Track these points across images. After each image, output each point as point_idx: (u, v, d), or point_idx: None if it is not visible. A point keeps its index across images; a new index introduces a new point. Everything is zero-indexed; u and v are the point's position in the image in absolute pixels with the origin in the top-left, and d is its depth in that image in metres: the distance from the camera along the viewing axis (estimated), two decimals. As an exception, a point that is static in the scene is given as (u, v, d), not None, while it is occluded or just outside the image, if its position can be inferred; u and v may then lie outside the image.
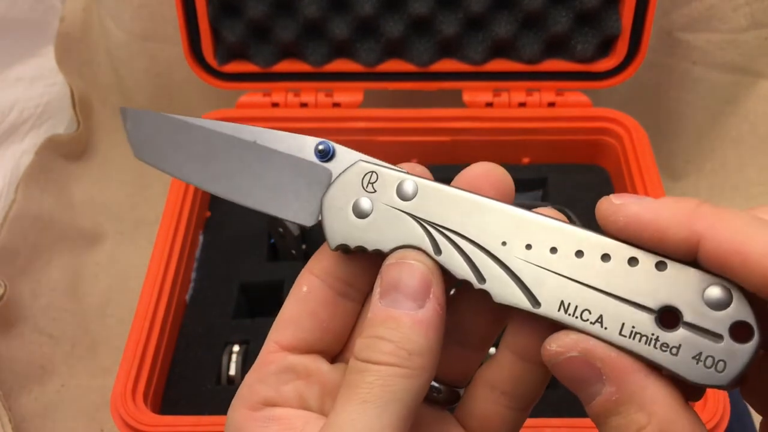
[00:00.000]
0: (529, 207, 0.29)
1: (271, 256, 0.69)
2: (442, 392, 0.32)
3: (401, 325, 0.28)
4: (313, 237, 0.67)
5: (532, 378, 0.30)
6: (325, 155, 0.31)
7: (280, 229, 0.67)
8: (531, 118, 0.74)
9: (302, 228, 0.66)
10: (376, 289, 0.29)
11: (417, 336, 0.28)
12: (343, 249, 0.30)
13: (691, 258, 0.26)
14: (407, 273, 0.29)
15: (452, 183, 0.31)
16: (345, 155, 0.31)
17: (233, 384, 0.60)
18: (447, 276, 0.29)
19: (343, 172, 0.30)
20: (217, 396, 0.59)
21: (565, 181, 0.74)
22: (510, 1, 0.71)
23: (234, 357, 0.61)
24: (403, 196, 0.30)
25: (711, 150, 0.86)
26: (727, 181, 0.85)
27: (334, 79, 0.74)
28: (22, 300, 0.68)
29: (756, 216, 0.25)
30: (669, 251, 0.26)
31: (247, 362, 0.60)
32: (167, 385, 0.60)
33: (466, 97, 0.74)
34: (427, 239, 0.29)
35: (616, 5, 0.70)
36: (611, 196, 0.28)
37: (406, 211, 0.29)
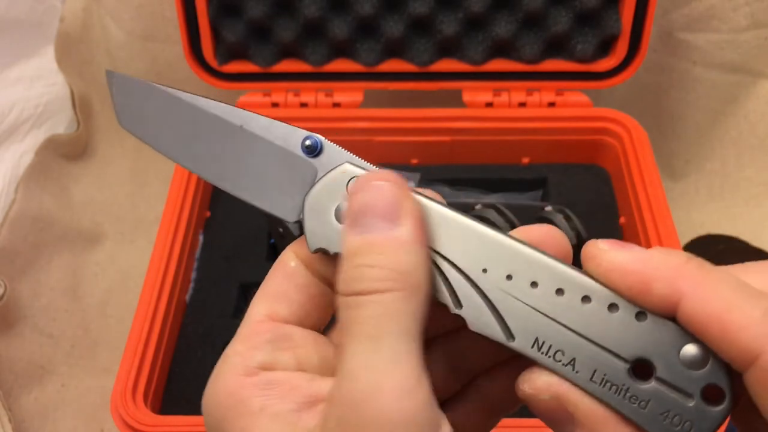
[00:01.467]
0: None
1: (271, 256, 0.69)
2: None
3: (385, 248, 0.26)
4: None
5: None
6: (312, 151, 0.30)
7: (280, 229, 0.67)
8: (531, 118, 0.74)
9: (302, 228, 0.66)
10: (345, 221, 0.27)
11: (405, 254, 0.26)
12: (322, 252, 0.29)
13: (670, 314, 0.25)
14: (375, 194, 0.27)
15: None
16: (333, 153, 0.30)
17: (233, 384, 0.60)
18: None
19: (328, 172, 0.29)
20: (217, 396, 0.59)
21: (565, 181, 0.74)
22: (510, 1, 0.71)
23: (234, 357, 0.61)
24: None
25: (711, 150, 0.86)
26: (727, 181, 0.85)
27: (334, 79, 0.74)
28: (22, 300, 0.68)
29: (744, 283, 0.24)
30: (648, 304, 0.25)
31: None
32: (167, 385, 0.60)
33: (466, 97, 0.74)
34: None
35: (616, 5, 0.70)
36: (599, 241, 0.27)
37: None
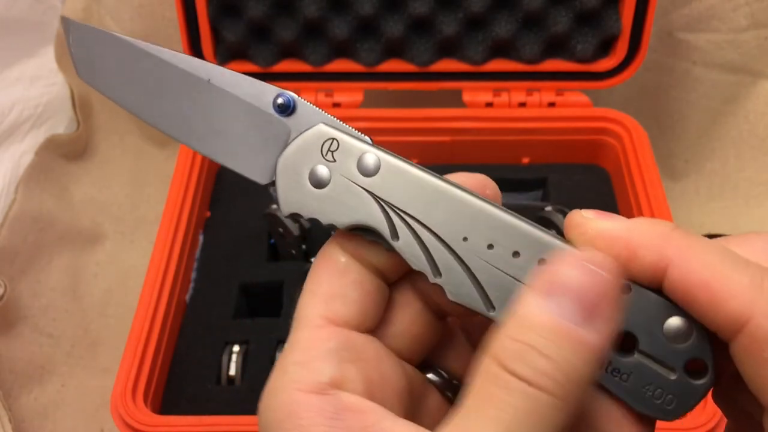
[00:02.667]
0: (516, 207, 0.27)
1: (271, 256, 0.69)
2: (452, 390, 0.29)
3: (565, 343, 0.22)
4: (313, 237, 0.67)
5: None
6: (285, 110, 0.28)
7: (280, 229, 0.67)
8: (531, 118, 0.74)
9: (302, 228, 0.66)
10: (536, 281, 0.23)
11: (581, 362, 0.22)
12: (295, 217, 0.28)
13: (656, 285, 0.24)
14: (587, 279, 0.23)
15: None
16: (307, 112, 0.28)
17: (233, 384, 0.60)
18: (404, 264, 0.26)
19: (302, 132, 0.27)
20: (217, 396, 0.59)
21: (565, 181, 0.74)
22: (510, 1, 0.71)
23: (234, 357, 0.61)
24: (364, 170, 0.27)
25: (711, 150, 0.86)
26: (727, 181, 0.85)
27: (334, 79, 0.74)
28: (22, 300, 0.68)
29: (731, 252, 0.24)
30: (635, 273, 0.24)
31: (247, 362, 0.60)
32: (167, 385, 0.60)
33: (466, 97, 0.74)
34: (385, 222, 0.26)
35: (616, 5, 0.70)
36: (583, 210, 0.26)
37: (366, 188, 0.27)
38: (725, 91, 0.83)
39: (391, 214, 0.26)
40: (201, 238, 0.70)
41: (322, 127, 0.27)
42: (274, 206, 0.67)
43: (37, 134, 0.81)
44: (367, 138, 0.27)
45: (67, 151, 0.81)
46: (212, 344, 0.62)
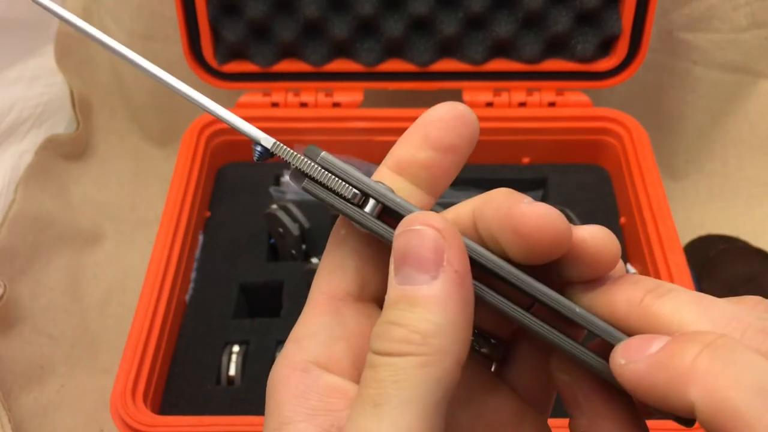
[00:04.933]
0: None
1: (271, 256, 0.69)
2: (486, 346, 0.29)
3: (413, 305, 0.24)
4: (313, 237, 0.67)
5: None
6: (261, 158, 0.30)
7: (280, 230, 0.66)
8: (531, 118, 0.74)
9: (302, 228, 0.66)
10: (391, 265, 0.25)
11: (432, 314, 0.23)
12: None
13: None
14: (414, 241, 0.24)
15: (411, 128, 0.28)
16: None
17: (233, 384, 0.60)
18: None
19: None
20: (216, 396, 0.59)
21: (565, 181, 0.74)
22: (510, 1, 0.71)
23: (234, 357, 0.60)
24: None
25: (711, 150, 0.86)
26: (727, 181, 0.85)
27: (334, 79, 0.74)
28: (22, 300, 0.68)
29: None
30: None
31: (247, 362, 0.60)
32: (167, 386, 0.60)
33: (466, 97, 0.74)
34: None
35: (617, 5, 0.70)
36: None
37: None
38: (726, 91, 0.83)
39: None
40: (201, 238, 0.70)
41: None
42: (274, 206, 0.67)
43: (36, 134, 0.81)
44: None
45: (66, 151, 0.81)
46: (212, 344, 0.62)
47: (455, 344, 0.24)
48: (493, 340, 0.29)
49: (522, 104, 0.74)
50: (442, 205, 0.30)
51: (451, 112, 0.29)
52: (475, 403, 0.28)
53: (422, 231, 0.24)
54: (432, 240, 0.24)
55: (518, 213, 0.25)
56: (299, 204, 0.67)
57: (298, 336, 0.27)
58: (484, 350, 0.29)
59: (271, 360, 0.60)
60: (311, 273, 0.62)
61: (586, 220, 0.65)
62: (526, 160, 0.76)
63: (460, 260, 0.24)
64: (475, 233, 0.27)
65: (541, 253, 0.25)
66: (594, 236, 0.25)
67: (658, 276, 0.61)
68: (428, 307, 0.24)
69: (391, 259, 0.25)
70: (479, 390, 0.28)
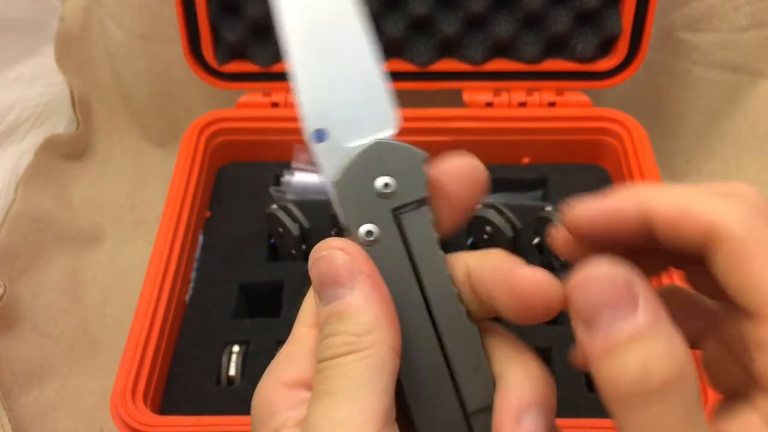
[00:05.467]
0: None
1: (271, 256, 0.69)
2: None
3: (343, 316, 0.28)
4: (313, 237, 0.67)
5: None
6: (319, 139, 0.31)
7: (280, 229, 0.66)
8: (531, 118, 0.74)
9: (302, 228, 0.66)
10: (314, 293, 0.29)
11: (359, 316, 0.28)
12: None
13: (647, 235, 0.27)
14: (325, 266, 0.28)
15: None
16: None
17: (233, 384, 0.60)
18: None
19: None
20: (217, 396, 0.59)
21: (565, 181, 0.74)
22: (510, 1, 0.71)
23: (234, 357, 0.61)
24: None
25: (711, 150, 0.86)
26: (727, 180, 0.85)
27: (334, 79, 0.74)
28: (22, 300, 0.68)
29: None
30: (625, 233, 0.28)
31: (247, 362, 0.60)
32: (167, 386, 0.60)
33: (466, 97, 0.74)
34: None
35: (617, 5, 0.70)
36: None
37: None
38: (726, 91, 0.83)
39: None
40: (201, 238, 0.70)
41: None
42: (274, 206, 0.67)
43: (36, 134, 0.81)
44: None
45: (66, 151, 0.81)
46: (212, 344, 0.62)
47: (386, 334, 0.28)
48: None
49: (522, 104, 0.74)
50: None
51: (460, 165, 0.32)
52: None
53: (329, 255, 0.28)
54: (340, 259, 0.28)
55: (518, 275, 0.28)
56: (299, 204, 0.67)
57: (290, 352, 0.30)
58: None
59: (271, 360, 0.60)
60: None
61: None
62: (525, 160, 0.76)
63: (368, 266, 0.29)
64: (467, 285, 0.30)
65: (534, 316, 0.28)
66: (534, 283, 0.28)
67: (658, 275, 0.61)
68: (355, 313, 0.28)
69: (311, 289, 0.29)
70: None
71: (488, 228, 0.64)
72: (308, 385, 0.29)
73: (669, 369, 0.23)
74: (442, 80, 0.74)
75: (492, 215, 0.64)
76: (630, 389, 0.23)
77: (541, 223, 0.65)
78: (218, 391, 0.59)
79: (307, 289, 0.31)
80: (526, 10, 0.70)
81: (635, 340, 0.24)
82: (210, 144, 0.74)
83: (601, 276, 0.25)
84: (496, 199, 0.71)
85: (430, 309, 0.30)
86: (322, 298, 0.29)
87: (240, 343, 0.61)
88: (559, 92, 0.74)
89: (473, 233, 0.67)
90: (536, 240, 0.67)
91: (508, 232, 0.63)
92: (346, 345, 0.27)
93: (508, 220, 0.64)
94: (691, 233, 0.26)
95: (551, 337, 0.59)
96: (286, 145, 0.74)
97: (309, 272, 0.29)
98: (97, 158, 0.85)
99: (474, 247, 0.68)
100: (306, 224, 0.66)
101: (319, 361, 0.28)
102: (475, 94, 0.74)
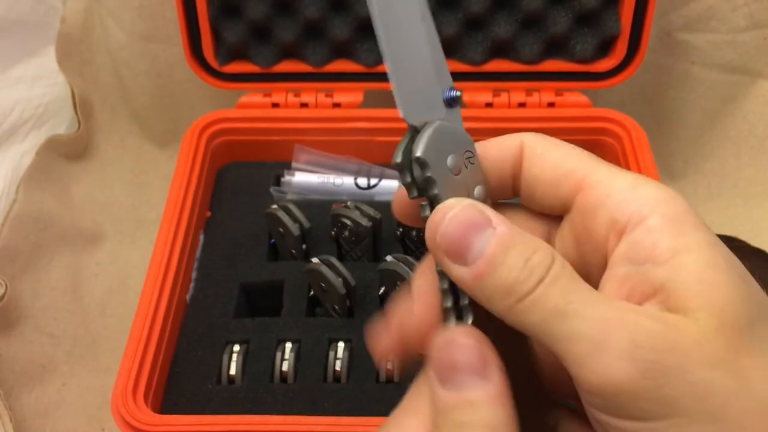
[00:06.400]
0: None
1: (271, 256, 0.69)
2: None
3: (478, 405, 0.27)
4: (313, 237, 0.67)
5: None
6: (452, 103, 0.31)
7: (280, 229, 0.67)
8: (531, 119, 0.74)
9: (302, 228, 0.66)
10: (434, 375, 0.29)
11: (496, 410, 0.27)
12: (420, 162, 0.29)
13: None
14: (463, 354, 0.28)
15: None
16: (460, 126, 0.31)
17: (234, 383, 0.60)
18: None
19: (460, 125, 0.31)
20: (217, 396, 0.59)
21: (564, 181, 0.74)
22: (509, 2, 0.71)
23: (234, 357, 0.61)
24: (472, 194, 0.31)
25: (710, 150, 0.86)
26: (726, 181, 0.85)
27: (334, 80, 0.74)
28: (23, 300, 0.68)
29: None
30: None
31: (247, 362, 0.61)
32: (168, 385, 0.60)
33: (466, 97, 0.74)
34: None
35: (616, 6, 0.71)
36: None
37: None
38: (724, 91, 0.83)
39: None
40: (201, 237, 0.71)
41: (471, 140, 0.32)
42: (274, 206, 0.67)
43: (38, 134, 0.81)
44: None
45: (67, 152, 0.81)
46: (212, 344, 0.62)
47: (515, 428, 0.28)
48: None
49: (521, 105, 0.75)
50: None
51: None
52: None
53: (467, 344, 0.28)
54: (479, 350, 0.28)
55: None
56: (299, 204, 0.67)
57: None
58: None
59: (272, 359, 0.60)
60: (311, 273, 0.63)
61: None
62: (525, 160, 0.76)
63: (499, 359, 0.28)
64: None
65: None
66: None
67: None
68: (492, 405, 0.27)
69: (433, 368, 0.29)
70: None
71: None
72: None
73: None
74: (442, 81, 0.74)
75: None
76: None
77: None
78: (219, 390, 0.60)
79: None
80: (526, 11, 0.71)
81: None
82: (210, 144, 0.74)
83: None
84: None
85: None
86: (451, 382, 0.28)
87: (240, 343, 0.62)
88: (559, 93, 0.75)
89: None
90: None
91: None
92: None
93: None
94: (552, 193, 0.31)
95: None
96: (286, 145, 0.74)
97: (432, 355, 0.29)
98: (98, 158, 0.85)
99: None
100: (306, 224, 0.66)
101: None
102: (475, 94, 0.74)
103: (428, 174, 0.29)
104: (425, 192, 0.30)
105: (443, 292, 0.30)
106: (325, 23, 0.71)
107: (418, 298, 0.31)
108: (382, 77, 0.79)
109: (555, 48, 0.73)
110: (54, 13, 0.84)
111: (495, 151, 0.32)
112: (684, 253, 0.26)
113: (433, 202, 0.30)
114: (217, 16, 0.71)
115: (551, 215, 0.32)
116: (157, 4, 0.81)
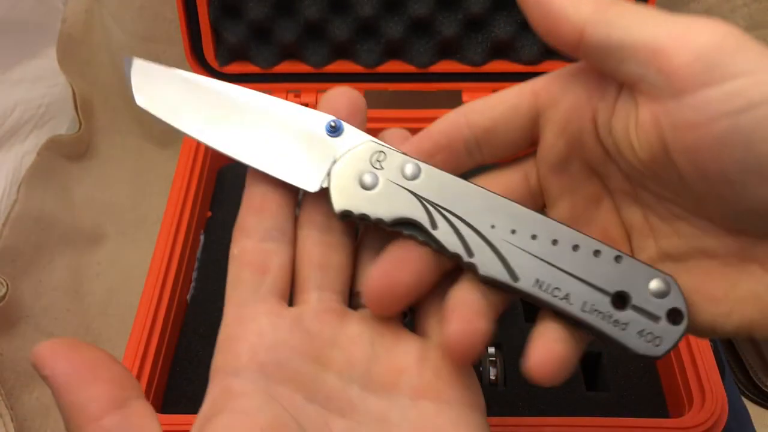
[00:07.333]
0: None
1: (271, 256, 0.69)
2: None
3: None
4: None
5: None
6: (335, 131, 0.35)
7: (281, 229, 0.67)
8: (530, 119, 0.74)
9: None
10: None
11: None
12: (346, 214, 0.34)
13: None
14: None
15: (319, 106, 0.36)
16: (352, 134, 0.35)
17: (234, 383, 0.60)
18: (441, 250, 0.33)
19: (354, 147, 0.35)
20: (218, 395, 0.59)
21: (564, 181, 0.74)
22: (509, 2, 0.71)
23: (235, 356, 0.61)
24: (407, 176, 0.34)
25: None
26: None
27: (334, 80, 0.75)
28: (24, 300, 0.69)
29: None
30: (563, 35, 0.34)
31: (247, 361, 0.61)
32: (168, 385, 0.61)
33: (466, 98, 0.74)
34: (425, 215, 0.33)
35: (615, 7, 0.71)
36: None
37: (409, 189, 0.33)
38: (724, 92, 0.83)
39: (431, 208, 0.33)
40: (202, 237, 0.71)
41: (371, 143, 0.35)
42: (275, 206, 0.67)
43: (39, 135, 0.81)
44: (404, 153, 0.35)
45: (68, 152, 0.81)
46: (213, 343, 0.62)
47: None
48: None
49: (521, 105, 0.75)
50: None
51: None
52: (388, 348, 0.34)
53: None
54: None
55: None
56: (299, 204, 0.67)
57: None
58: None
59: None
60: None
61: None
62: (525, 160, 0.76)
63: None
64: None
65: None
66: None
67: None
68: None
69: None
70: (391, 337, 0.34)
71: None
72: None
73: None
74: (442, 81, 0.75)
75: None
76: None
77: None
78: (219, 389, 0.60)
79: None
80: (526, 12, 0.71)
81: None
82: (211, 144, 0.74)
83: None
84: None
85: None
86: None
87: (241, 343, 0.62)
88: (558, 93, 0.75)
89: None
90: None
91: None
92: None
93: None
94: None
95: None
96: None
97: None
98: (99, 158, 0.85)
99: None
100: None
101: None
102: (475, 95, 0.74)
103: (358, 213, 0.34)
104: (369, 220, 0.34)
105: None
106: (326, 24, 0.72)
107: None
108: (383, 78, 0.80)
109: (554, 49, 0.73)
110: (55, 14, 0.84)
111: (499, 111, 0.36)
112: None
113: (378, 223, 0.34)
114: (217, 16, 0.71)
115: None
116: (158, 4, 0.81)
